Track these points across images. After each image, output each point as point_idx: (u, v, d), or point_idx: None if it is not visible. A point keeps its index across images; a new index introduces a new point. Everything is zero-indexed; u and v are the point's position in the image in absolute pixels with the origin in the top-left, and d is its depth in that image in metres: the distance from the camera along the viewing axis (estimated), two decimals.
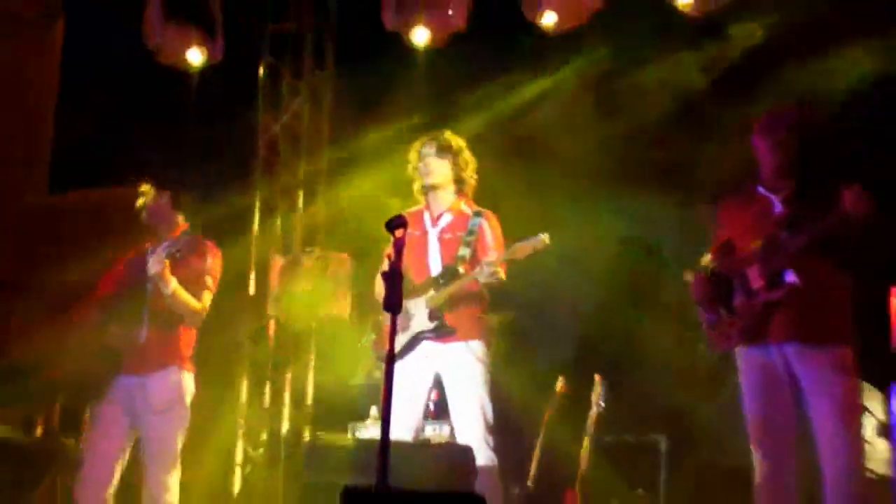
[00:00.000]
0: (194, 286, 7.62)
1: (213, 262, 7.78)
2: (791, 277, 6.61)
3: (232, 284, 8.79)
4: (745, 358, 6.84)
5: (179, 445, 7.57)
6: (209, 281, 7.72)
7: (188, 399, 7.64)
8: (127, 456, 7.58)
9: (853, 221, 6.11)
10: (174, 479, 7.54)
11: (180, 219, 7.87)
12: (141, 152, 9.42)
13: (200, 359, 7.93)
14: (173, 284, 7.44)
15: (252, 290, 9.81)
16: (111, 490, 7.54)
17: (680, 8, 8.69)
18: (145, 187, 7.89)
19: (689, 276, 7.05)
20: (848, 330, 6.58)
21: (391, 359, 5.68)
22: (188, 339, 7.73)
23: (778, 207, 6.78)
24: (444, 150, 7.72)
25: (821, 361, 6.57)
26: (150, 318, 7.60)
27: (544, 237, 7.24)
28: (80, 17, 10.50)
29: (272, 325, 9.84)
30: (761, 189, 6.86)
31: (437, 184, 7.70)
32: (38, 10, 10.18)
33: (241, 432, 9.50)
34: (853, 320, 6.60)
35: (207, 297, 7.70)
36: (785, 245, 6.61)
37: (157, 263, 7.38)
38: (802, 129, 6.85)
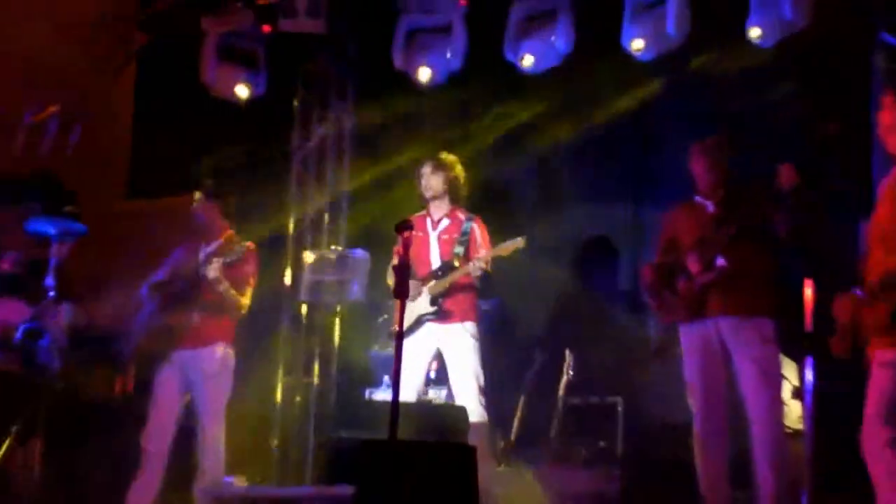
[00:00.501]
0: (240, 286, 7.76)
1: (255, 265, 7.93)
2: (721, 261, 6.80)
3: (272, 277, 8.94)
4: (685, 332, 7.04)
5: (224, 404, 7.73)
6: (252, 281, 7.87)
7: (231, 368, 7.80)
8: (182, 411, 7.75)
9: (785, 192, 6.27)
10: (222, 432, 7.71)
11: (226, 224, 8.00)
12: (199, 167, 9.50)
13: (250, 337, 8.07)
14: (225, 285, 7.60)
15: (288, 281, 9.79)
16: (171, 439, 7.68)
17: (633, 51, 8.71)
18: (197, 197, 8.03)
19: (644, 272, 7.27)
20: (770, 305, 6.79)
21: (400, 336, 5.86)
22: (231, 321, 7.88)
23: (711, 209, 6.98)
24: (439, 167, 7.90)
25: (747, 332, 6.79)
26: (202, 304, 7.74)
27: (521, 239, 7.45)
28: (152, 57, 10.53)
29: (304, 309, 9.91)
30: (698, 198, 7.09)
31: (434, 195, 7.86)
32: (118, 56, 10.22)
33: (279, 396, 9.50)
34: (774, 298, 6.79)
35: (249, 294, 7.84)
36: (717, 236, 6.81)
37: (214, 270, 7.53)
38: (730, 151, 7.07)
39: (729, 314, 6.82)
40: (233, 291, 7.68)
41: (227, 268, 7.66)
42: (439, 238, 7.87)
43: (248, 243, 7.94)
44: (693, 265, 6.90)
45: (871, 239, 5.61)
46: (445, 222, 7.88)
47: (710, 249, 6.86)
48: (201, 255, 7.95)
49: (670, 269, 7.05)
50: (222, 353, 7.81)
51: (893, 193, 5.56)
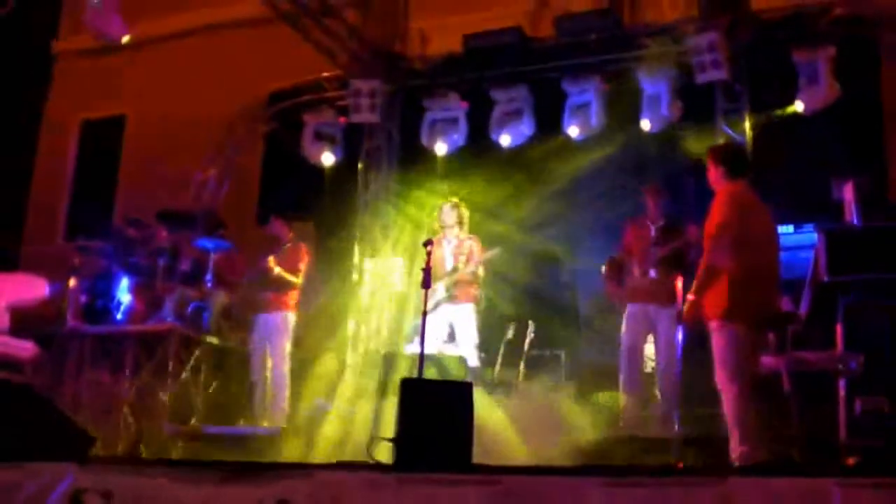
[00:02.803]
0: (292, 270, 7.95)
1: (306, 258, 8.06)
2: (653, 273, 7.00)
3: (346, 275, 8.94)
4: (629, 308, 7.20)
5: (287, 350, 7.88)
6: (301, 266, 8.02)
7: (290, 327, 7.95)
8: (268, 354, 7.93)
9: (693, 242, 6.43)
10: (288, 370, 7.86)
11: (293, 235, 8.29)
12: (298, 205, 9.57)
13: (336, 312, 8.08)
14: (277, 269, 7.90)
15: (356, 277, 9.63)
16: (267, 371, 7.89)
17: (570, 134, 8.73)
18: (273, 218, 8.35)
19: (604, 266, 7.40)
20: (677, 300, 6.93)
21: (425, 314, 5.96)
22: (293, 296, 7.98)
23: (653, 233, 7.15)
24: (454, 208, 7.94)
25: (663, 315, 7.03)
26: (270, 284, 7.90)
27: (500, 249, 7.68)
28: (273, 138, 10.61)
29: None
30: (648, 221, 7.26)
31: (449, 225, 7.91)
32: (252, 137, 10.30)
33: (349, 348, 9.26)
34: (680, 295, 6.89)
35: (300, 276, 8.00)
36: (653, 254, 7.04)
37: (268, 261, 7.92)
38: (668, 195, 7.21)
39: (653, 303, 7.04)
40: (284, 273, 7.83)
41: (279, 258, 7.89)
42: (451, 251, 7.93)
43: (301, 243, 8.14)
44: (636, 270, 7.10)
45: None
46: (455, 241, 7.92)
47: (647, 263, 7.02)
48: (277, 252, 8.13)
49: (621, 266, 7.24)
50: (286, 317, 7.94)
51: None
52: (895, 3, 8.00)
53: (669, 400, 6.90)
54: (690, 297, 5.45)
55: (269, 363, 7.97)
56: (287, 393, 7.82)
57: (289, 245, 8.22)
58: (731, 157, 5.74)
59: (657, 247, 7.08)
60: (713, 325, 5.37)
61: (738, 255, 5.30)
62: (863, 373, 4.99)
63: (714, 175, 5.65)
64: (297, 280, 8.02)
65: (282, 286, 7.97)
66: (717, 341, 5.35)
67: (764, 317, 5.38)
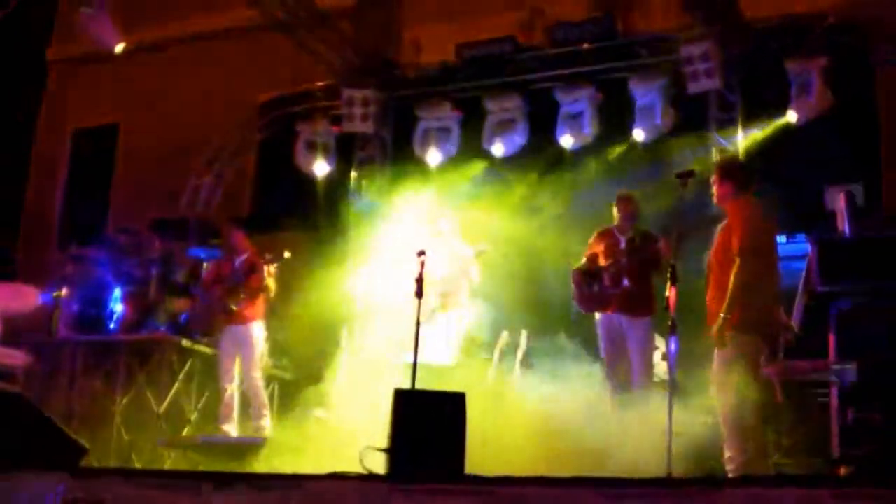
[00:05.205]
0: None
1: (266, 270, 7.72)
2: (626, 283, 6.88)
3: (336, 284, 8.88)
4: (601, 319, 7.06)
5: (259, 361, 7.70)
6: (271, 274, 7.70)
7: (262, 337, 7.76)
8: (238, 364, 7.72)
9: (662, 254, 6.35)
10: (260, 375, 7.69)
11: (250, 245, 7.92)
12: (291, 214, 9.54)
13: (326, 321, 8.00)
14: (268, 280, 7.61)
15: (349, 286, 9.22)
16: (234, 383, 7.69)
17: (563, 144, 8.74)
18: (228, 228, 8.08)
19: (573, 274, 7.20)
20: (652, 309, 6.80)
21: (418, 323, 5.92)
22: (262, 306, 7.75)
23: (622, 244, 7.03)
24: (451, 216, 8.00)
25: (636, 325, 6.87)
26: (245, 293, 7.67)
27: (486, 246, 7.71)
28: (267, 147, 10.59)
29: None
30: (616, 231, 7.10)
31: (445, 233, 7.89)
32: (245, 146, 10.25)
33: (343, 358, 8.73)
34: (653, 304, 6.78)
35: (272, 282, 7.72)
36: (623, 264, 6.90)
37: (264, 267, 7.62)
38: (638, 206, 7.09)
39: (626, 314, 6.92)
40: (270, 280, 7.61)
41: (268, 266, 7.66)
42: (446, 260, 7.68)
43: (260, 261, 7.78)
44: (608, 280, 6.98)
45: (710, 262, 5.64)
46: (449, 249, 7.75)
47: (620, 273, 6.94)
48: (236, 264, 7.88)
49: (590, 275, 7.09)
50: (258, 327, 7.75)
51: (721, 235, 5.64)
52: (888, 11, 8.04)
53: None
54: (724, 314, 5.31)
55: (243, 373, 7.79)
56: (266, 401, 7.73)
57: (254, 260, 7.93)
58: (737, 171, 5.75)
59: (630, 258, 6.99)
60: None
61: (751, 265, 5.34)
62: (855, 382, 4.98)
63: (722, 191, 5.64)
64: (273, 285, 7.87)
65: (255, 296, 7.76)
66: (727, 351, 5.30)
67: (769, 326, 5.39)
